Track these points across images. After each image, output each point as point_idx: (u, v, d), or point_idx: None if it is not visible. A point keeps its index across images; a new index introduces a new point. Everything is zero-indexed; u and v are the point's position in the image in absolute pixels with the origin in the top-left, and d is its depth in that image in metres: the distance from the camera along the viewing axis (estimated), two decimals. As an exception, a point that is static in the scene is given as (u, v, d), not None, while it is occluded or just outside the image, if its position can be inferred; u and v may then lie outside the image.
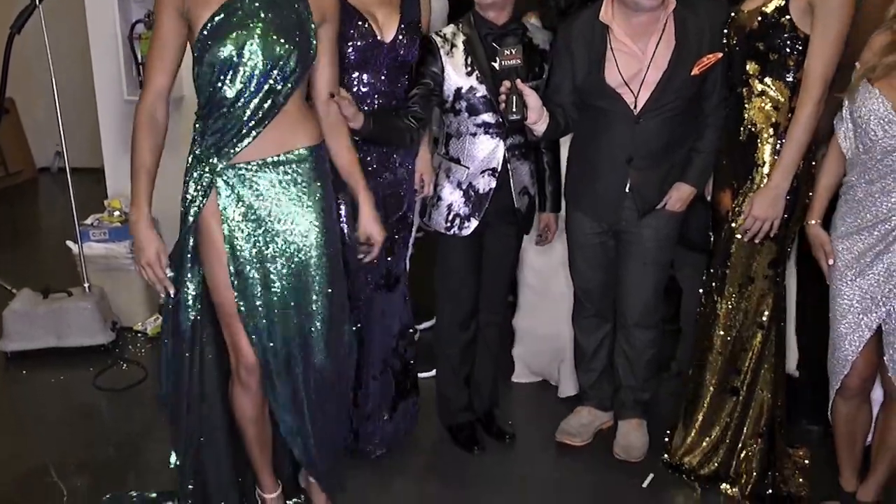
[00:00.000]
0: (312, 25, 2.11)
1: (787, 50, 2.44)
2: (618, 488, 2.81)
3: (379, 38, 2.50)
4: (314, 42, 2.13)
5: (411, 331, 2.96)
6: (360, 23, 2.46)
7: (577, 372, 3.16)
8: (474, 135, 2.72)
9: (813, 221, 2.47)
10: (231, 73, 2.05)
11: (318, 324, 2.25)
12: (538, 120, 2.54)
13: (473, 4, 2.67)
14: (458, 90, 2.67)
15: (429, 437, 3.10)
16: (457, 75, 2.66)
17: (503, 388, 3.34)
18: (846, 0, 2.34)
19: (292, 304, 2.22)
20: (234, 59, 2.04)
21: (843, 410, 2.53)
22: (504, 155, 2.73)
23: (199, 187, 2.14)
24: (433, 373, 3.21)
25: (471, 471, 2.91)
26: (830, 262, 2.41)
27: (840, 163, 2.41)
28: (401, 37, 2.54)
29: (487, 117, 2.69)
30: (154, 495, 2.68)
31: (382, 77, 2.55)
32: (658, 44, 2.58)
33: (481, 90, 2.66)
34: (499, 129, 2.71)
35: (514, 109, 2.44)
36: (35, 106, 6.81)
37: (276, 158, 2.14)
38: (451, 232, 2.80)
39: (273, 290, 2.19)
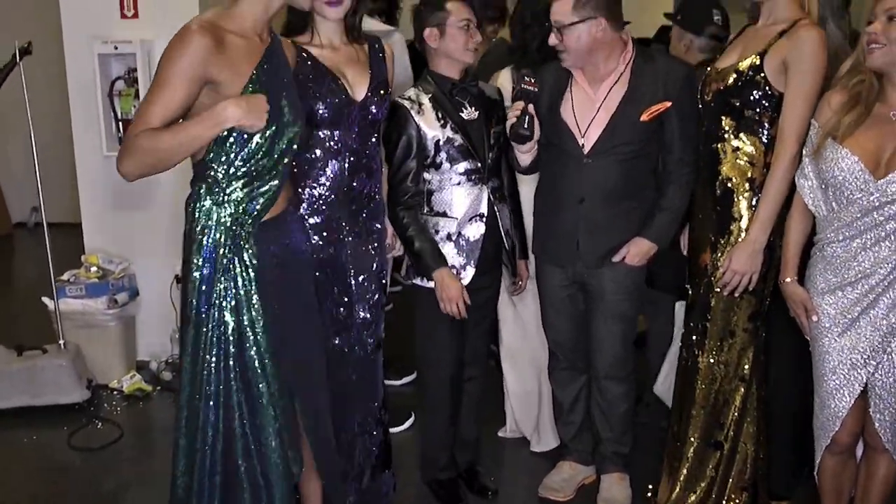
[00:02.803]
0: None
1: (762, 107, 2.48)
2: (602, 544, 2.78)
3: (350, 96, 2.53)
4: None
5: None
6: (331, 82, 2.50)
7: (557, 425, 3.14)
8: (458, 184, 2.76)
9: (789, 279, 2.45)
10: (248, 143, 2.16)
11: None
12: (531, 150, 2.67)
13: (426, 66, 2.80)
14: (437, 142, 2.72)
15: (408, 492, 3.06)
16: (432, 130, 2.72)
17: (485, 443, 3.31)
18: (819, 59, 2.40)
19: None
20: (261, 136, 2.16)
21: (830, 466, 2.49)
22: (489, 198, 2.78)
23: (235, 258, 2.17)
24: (404, 427, 3.15)
25: (453, 528, 2.88)
26: (814, 318, 2.38)
27: (806, 218, 2.41)
28: (371, 95, 2.58)
29: (468, 164, 2.75)
30: None
31: (353, 134, 2.56)
32: (612, 88, 2.67)
33: (458, 139, 2.73)
34: (479, 175, 2.76)
35: (524, 126, 2.57)
36: (12, 160, 6.78)
37: (293, 209, 2.32)
38: None
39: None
